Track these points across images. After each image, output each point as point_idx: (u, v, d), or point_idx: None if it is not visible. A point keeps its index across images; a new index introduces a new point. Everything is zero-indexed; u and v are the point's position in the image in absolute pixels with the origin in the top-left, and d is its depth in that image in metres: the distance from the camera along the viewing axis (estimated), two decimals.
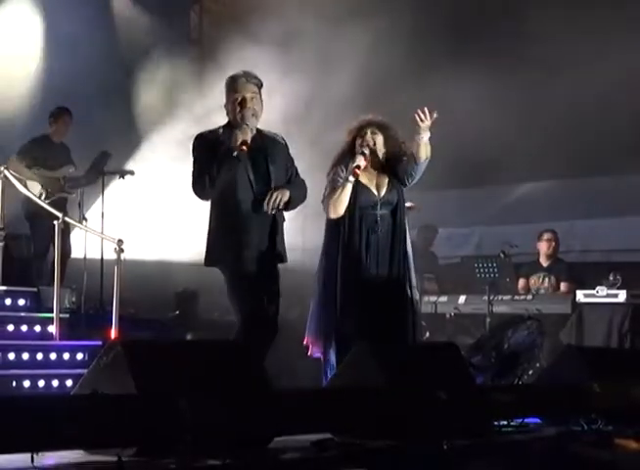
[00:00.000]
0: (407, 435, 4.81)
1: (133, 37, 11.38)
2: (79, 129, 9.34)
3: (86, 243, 8.68)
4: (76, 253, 8.87)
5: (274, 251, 5.65)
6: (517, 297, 9.38)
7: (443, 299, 9.70)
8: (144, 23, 11.52)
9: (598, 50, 9.58)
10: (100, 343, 7.08)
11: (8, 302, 7.56)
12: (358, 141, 6.14)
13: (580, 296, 8.91)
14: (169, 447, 4.01)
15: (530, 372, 6.99)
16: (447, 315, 9.58)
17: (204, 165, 5.51)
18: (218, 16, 12.56)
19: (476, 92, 9.95)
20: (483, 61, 10.19)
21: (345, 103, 9.42)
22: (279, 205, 5.58)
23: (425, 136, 6.00)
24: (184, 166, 5.80)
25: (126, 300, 7.73)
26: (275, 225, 5.65)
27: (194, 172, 5.57)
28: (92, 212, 9.04)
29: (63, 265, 7.83)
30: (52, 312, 7.42)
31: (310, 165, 6.24)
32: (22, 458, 3.87)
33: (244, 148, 5.43)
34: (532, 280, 9.62)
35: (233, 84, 5.65)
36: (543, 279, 9.59)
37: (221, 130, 5.65)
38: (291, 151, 5.85)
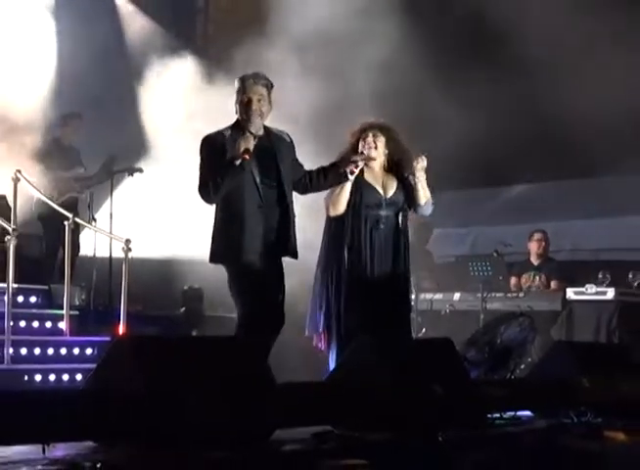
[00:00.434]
0: (404, 427, 4.81)
1: (142, 43, 11.38)
2: (89, 131, 9.35)
3: (95, 242, 8.68)
4: (86, 251, 8.87)
5: (282, 247, 5.55)
6: (509, 294, 9.36)
7: (439, 296, 9.69)
8: (152, 30, 11.52)
9: (588, 52, 9.55)
10: (108, 338, 7.09)
11: (20, 299, 7.56)
12: (361, 143, 6.15)
13: (570, 293, 8.90)
14: (175, 439, 4.00)
15: (522, 367, 6.99)
16: (442, 312, 9.56)
17: (209, 172, 5.44)
18: (224, 23, 12.56)
19: (469, 95, 9.93)
20: (476, 65, 10.20)
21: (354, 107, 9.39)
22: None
23: (420, 178, 6.07)
24: (191, 167, 5.75)
25: (134, 297, 7.72)
26: (286, 221, 5.56)
27: (200, 176, 5.51)
28: (101, 213, 9.03)
29: (72, 264, 7.84)
30: (62, 309, 7.44)
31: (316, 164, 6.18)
32: (34, 449, 3.88)
33: (246, 157, 5.35)
34: (524, 278, 9.61)
35: (241, 85, 5.59)
36: (534, 277, 9.58)
37: (229, 132, 5.55)
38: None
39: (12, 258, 6.87)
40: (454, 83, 10.01)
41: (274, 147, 5.62)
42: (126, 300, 7.17)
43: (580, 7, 9.45)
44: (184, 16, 12.50)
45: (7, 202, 7.94)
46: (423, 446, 4.63)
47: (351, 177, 5.92)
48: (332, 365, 5.96)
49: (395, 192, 6.16)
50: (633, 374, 6.29)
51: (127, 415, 4.02)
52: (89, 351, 7.39)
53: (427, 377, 5.14)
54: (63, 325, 7.42)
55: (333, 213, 6.08)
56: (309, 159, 5.96)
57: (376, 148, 6.14)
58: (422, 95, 9.76)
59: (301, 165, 5.80)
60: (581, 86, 9.46)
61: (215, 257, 5.57)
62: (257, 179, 5.49)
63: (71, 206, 8.62)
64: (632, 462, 4.77)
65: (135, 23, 11.57)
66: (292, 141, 5.76)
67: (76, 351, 7.32)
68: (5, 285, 6.91)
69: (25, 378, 6.77)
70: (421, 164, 6.05)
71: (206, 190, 5.44)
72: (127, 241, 7.22)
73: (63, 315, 7.43)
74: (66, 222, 7.51)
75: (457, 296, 9.62)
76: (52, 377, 6.93)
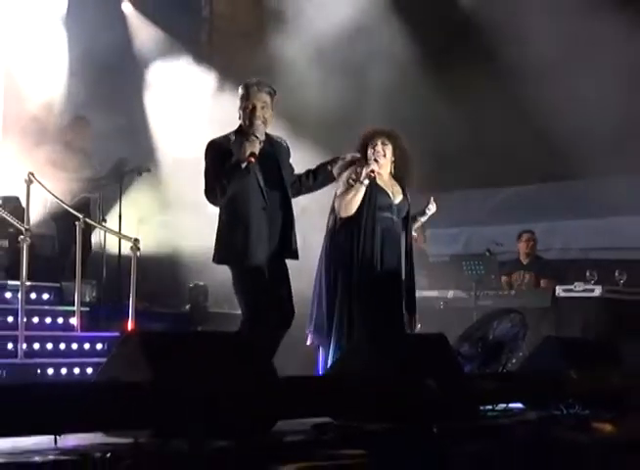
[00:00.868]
0: (401, 419, 4.82)
1: (149, 51, 11.41)
2: (99, 135, 9.37)
3: (105, 241, 8.68)
4: (96, 250, 8.88)
5: (285, 247, 5.54)
6: (501, 292, 9.39)
7: (434, 293, 9.70)
8: (158, 38, 11.54)
9: (575, 56, 9.55)
10: (118, 334, 7.10)
11: (33, 296, 7.56)
12: (370, 150, 6.16)
13: (559, 291, 8.91)
14: (181, 430, 4.01)
15: (514, 361, 6.98)
16: (437, 308, 9.57)
17: (214, 175, 5.42)
18: (227, 32, 12.56)
19: (461, 98, 9.94)
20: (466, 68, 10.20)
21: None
22: None
23: (424, 219, 6.48)
24: (196, 169, 5.73)
25: (141, 294, 7.72)
26: (288, 223, 5.56)
27: (206, 180, 5.48)
28: (111, 214, 9.02)
29: (83, 262, 7.84)
30: (74, 306, 7.44)
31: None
32: (46, 440, 3.89)
33: (252, 160, 5.34)
34: (514, 277, 9.65)
35: (245, 92, 5.55)
36: (523, 276, 9.61)
37: (233, 137, 5.53)
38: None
39: (25, 256, 6.88)
40: (445, 84, 10.02)
41: (275, 152, 5.61)
42: (135, 297, 7.17)
43: (567, 11, 9.46)
44: (190, 24, 12.52)
45: (20, 203, 7.96)
46: (418, 437, 4.64)
47: (366, 182, 6.00)
48: (321, 363, 5.99)
49: (402, 200, 6.24)
50: (618, 367, 6.31)
51: (136, 407, 4.03)
52: (99, 346, 7.39)
53: (422, 371, 5.15)
54: (74, 321, 7.43)
55: (344, 214, 6.09)
56: (310, 161, 5.98)
57: (385, 156, 6.17)
58: (413, 95, 9.78)
59: (293, 169, 5.80)
60: (571, 89, 9.47)
61: (220, 257, 5.54)
62: (261, 182, 5.48)
63: (84, 206, 8.62)
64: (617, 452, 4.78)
65: (142, 32, 11.62)
66: (288, 147, 5.77)
67: (87, 346, 7.33)
68: (19, 283, 6.92)
69: (38, 372, 6.78)
70: (432, 210, 6.38)
71: (213, 193, 5.42)
72: (136, 240, 7.22)
73: (74, 312, 7.43)
74: (77, 222, 7.52)
75: (451, 293, 9.65)
76: (64, 371, 6.95)
